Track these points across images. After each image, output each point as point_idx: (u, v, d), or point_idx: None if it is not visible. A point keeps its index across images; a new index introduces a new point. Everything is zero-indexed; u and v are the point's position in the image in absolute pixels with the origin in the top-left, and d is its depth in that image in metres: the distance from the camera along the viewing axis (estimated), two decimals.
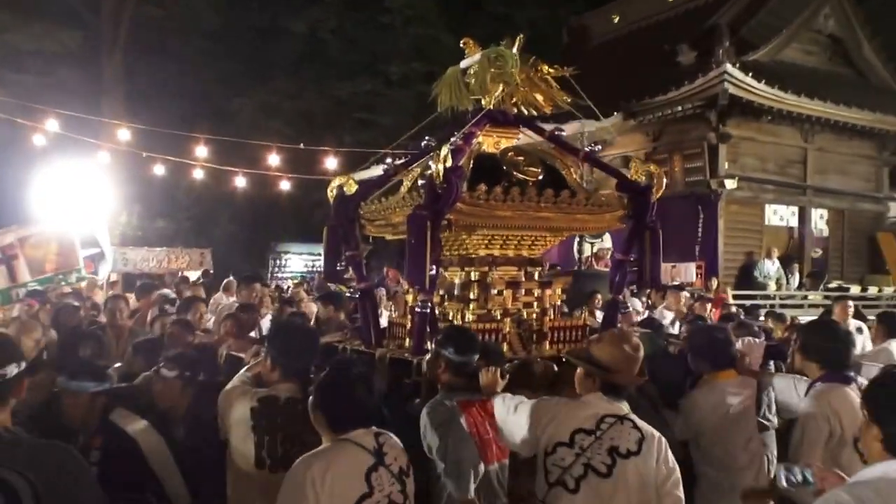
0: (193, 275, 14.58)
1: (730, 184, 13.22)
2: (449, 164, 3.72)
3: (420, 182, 4.17)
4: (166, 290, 8.80)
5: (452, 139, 3.94)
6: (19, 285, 8.18)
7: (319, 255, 24.75)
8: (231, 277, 10.63)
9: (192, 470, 3.33)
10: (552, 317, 4.39)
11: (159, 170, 11.11)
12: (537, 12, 25.39)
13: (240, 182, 11.02)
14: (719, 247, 13.43)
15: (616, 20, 18.87)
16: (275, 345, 3.23)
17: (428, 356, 3.56)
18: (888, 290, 14.47)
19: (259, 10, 23.09)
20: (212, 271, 15.44)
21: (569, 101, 4.51)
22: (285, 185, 10.99)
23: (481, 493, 3.07)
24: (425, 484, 3.06)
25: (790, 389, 3.95)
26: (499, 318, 4.23)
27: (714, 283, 11.58)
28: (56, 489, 2.06)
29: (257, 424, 3.03)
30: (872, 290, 14.20)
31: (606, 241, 12.39)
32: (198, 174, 10.95)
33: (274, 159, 10.38)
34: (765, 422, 4.23)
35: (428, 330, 3.91)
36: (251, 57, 22.95)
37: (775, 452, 4.38)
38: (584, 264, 11.46)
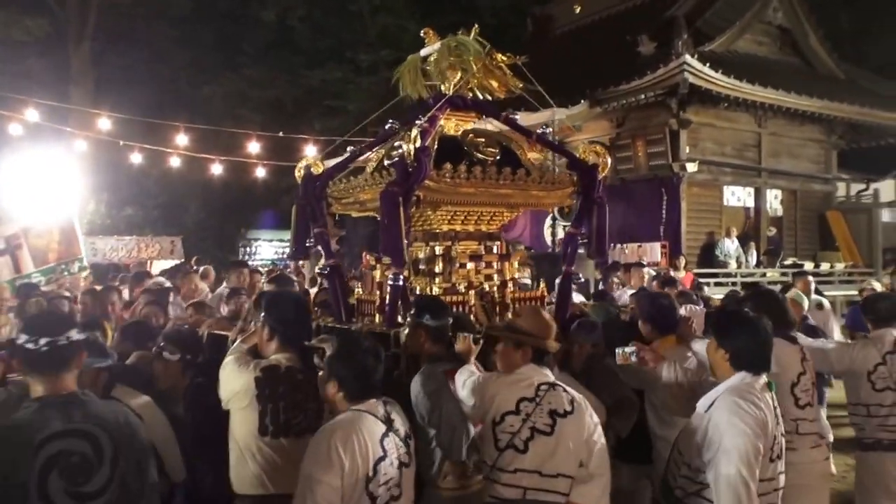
0: (164, 264, 14.50)
1: (691, 167, 13.93)
2: (418, 144, 3.96)
3: (387, 162, 4.41)
4: (160, 279, 8.97)
5: (418, 122, 4.17)
6: (24, 276, 8.26)
7: (289, 241, 25.00)
8: (207, 266, 10.84)
9: (189, 445, 3.50)
10: (512, 289, 4.66)
11: (136, 158, 11.21)
12: (500, 1, 25.86)
13: (216, 170, 11.23)
14: (682, 227, 14.13)
15: (578, 10, 19.39)
16: (272, 315, 3.35)
17: (406, 329, 3.70)
18: (840, 266, 15.43)
19: None
20: (183, 259, 15.45)
21: (521, 86, 4.78)
22: (260, 173, 11.22)
23: (471, 455, 3.26)
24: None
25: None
26: (463, 290, 4.45)
27: (682, 261, 12.24)
28: (121, 439, 2.47)
29: (261, 393, 3.17)
30: (825, 267, 15.12)
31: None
32: (174, 162, 11.12)
33: (249, 147, 10.62)
34: None
35: (399, 303, 4.10)
36: (220, 44, 22.96)
37: None
38: (558, 246, 11.99)
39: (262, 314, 3.40)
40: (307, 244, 4.64)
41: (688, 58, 12.36)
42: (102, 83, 19.91)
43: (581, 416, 3.17)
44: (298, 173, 4.62)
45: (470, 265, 4.59)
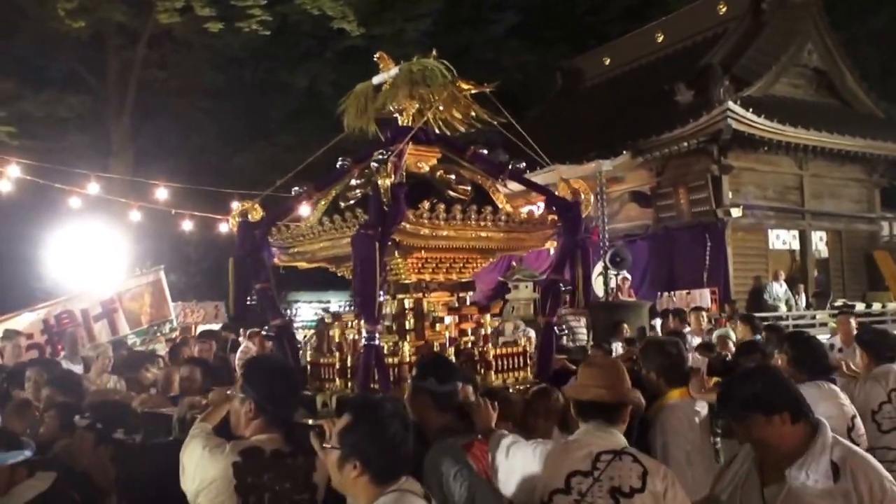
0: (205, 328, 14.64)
1: (735, 212, 13.88)
2: (394, 179, 3.51)
3: (343, 204, 3.95)
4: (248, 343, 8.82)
5: (379, 157, 3.66)
6: (120, 338, 8.52)
7: (329, 302, 25.07)
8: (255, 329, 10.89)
9: None
10: (492, 344, 4.15)
11: (186, 225, 11.46)
12: (525, 57, 26.33)
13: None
14: (729, 272, 13.99)
15: (608, 62, 19.72)
16: (257, 388, 2.72)
17: (406, 395, 3.08)
18: (892, 306, 15.12)
19: (258, 68, 23.74)
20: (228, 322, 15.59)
21: (486, 117, 4.25)
22: None
23: None
24: None
25: None
26: (438, 348, 3.92)
27: (734, 307, 12.12)
28: None
29: (242, 483, 2.58)
30: (877, 307, 14.83)
31: (626, 272, 12.89)
32: (220, 228, 11.31)
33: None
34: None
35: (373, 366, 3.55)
36: (250, 113, 23.50)
37: None
38: (610, 296, 11.92)
39: (243, 386, 2.79)
40: (247, 302, 4.07)
41: (730, 104, 12.46)
42: (140, 155, 20.38)
43: (655, 494, 2.47)
44: (233, 221, 4.11)
45: (447, 319, 4.04)
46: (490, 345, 4.09)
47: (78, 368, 6.53)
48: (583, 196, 4.09)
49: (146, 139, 21.18)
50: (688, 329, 9.48)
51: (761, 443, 2.46)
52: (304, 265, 4.38)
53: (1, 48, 18.39)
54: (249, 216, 4.06)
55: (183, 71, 21.15)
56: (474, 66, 26.65)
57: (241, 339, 9.86)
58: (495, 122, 4.26)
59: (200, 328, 14.85)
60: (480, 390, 3.45)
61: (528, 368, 4.17)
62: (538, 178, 14.40)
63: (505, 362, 4.07)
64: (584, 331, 10.95)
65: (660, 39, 18.36)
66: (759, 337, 6.38)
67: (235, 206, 4.17)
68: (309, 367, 4.11)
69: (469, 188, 4.10)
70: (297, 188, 4.13)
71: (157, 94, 21.21)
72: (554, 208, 4.18)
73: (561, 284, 4.09)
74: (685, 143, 13.48)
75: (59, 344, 8.59)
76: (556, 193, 4.19)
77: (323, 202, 4.14)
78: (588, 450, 2.53)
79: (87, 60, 19.76)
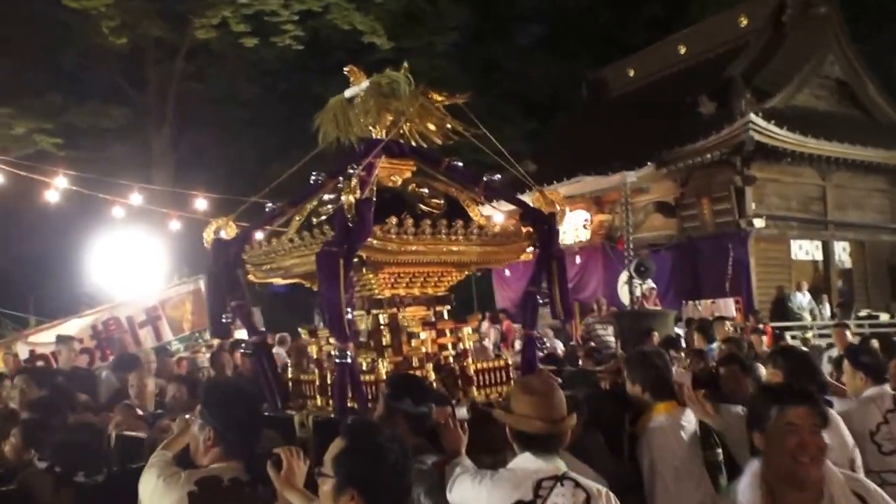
0: (241, 334, 15.08)
1: (758, 223, 14.11)
2: (359, 195, 3.47)
3: (315, 220, 3.93)
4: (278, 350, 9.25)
5: (351, 170, 3.61)
6: (164, 344, 9.02)
7: None
8: (283, 333, 11.26)
9: None
10: (472, 358, 3.99)
11: (223, 234, 11.95)
12: (550, 68, 26.66)
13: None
14: (752, 282, 14.22)
15: (632, 74, 20.01)
16: (216, 415, 2.64)
17: (378, 415, 3.04)
18: None
19: (291, 79, 24.39)
20: (263, 328, 16.00)
21: (461, 129, 4.13)
22: None
23: None
24: None
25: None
26: (417, 364, 3.83)
27: (758, 316, 12.38)
28: None
29: None
30: None
31: (651, 281, 13.18)
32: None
33: None
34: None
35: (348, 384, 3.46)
36: (286, 123, 24.11)
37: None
38: (636, 304, 12.23)
39: (202, 412, 2.68)
40: (224, 320, 3.94)
41: (752, 116, 12.74)
42: (179, 164, 21.05)
43: None
44: (207, 237, 3.99)
45: (423, 334, 3.92)
46: (470, 359, 3.94)
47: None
48: (558, 208, 4.05)
49: (185, 149, 21.87)
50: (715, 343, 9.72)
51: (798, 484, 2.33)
52: (279, 281, 4.34)
53: (49, 63, 19.23)
54: (224, 232, 3.98)
55: (219, 83, 21.84)
56: (503, 78, 27.13)
57: (275, 347, 10.32)
58: (468, 134, 4.14)
59: (237, 333, 15.37)
60: (465, 404, 3.48)
61: (511, 383, 4.01)
62: (564, 188, 14.93)
63: (487, 377, 3.96)
64: (612, 339, 11.27)
65: (682, 51, 18.62)
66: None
67: (211, 222, 4.08)
68: (290, 385, 3.96)
69: (442, 201, 4.09)
70: (270, 204, 4.12)
71: (195, 106, 21.89)
72: (529, 220, 4.08)
73: (538, 297, 4.01)
74: (708, 155, 13.76)
75: (108, 349, 9.04)
76: (532, 205, 4.12)
77: (298, 217, 4.09)
78: (528, 477, 2.49)
79: (128, 73, 20.54)
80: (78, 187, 9.82)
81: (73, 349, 8.00)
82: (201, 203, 10.92)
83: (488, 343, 10.06)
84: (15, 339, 9.01)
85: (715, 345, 9.10)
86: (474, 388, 3.85)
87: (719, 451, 3.55)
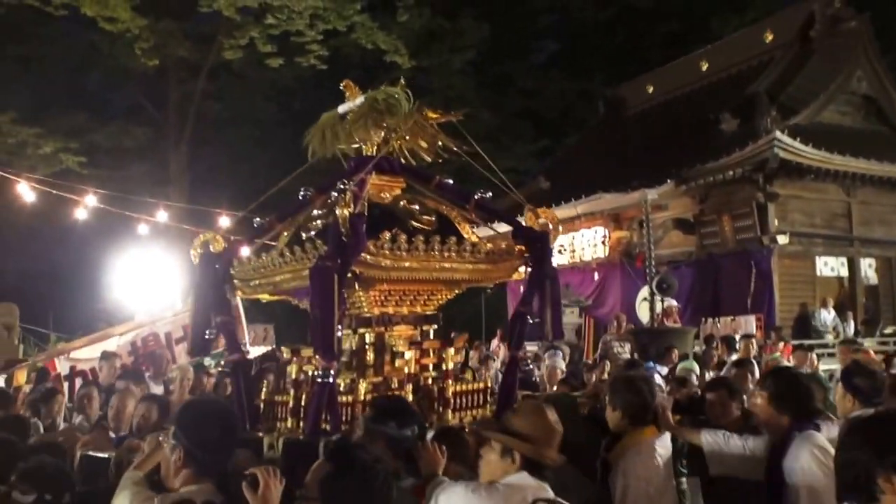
0: (256, 350, 15.09)
1: (782, 240, 13.88)
2: (353, 209, 3.42)
3: (305, 235, 3.86)
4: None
5: (342, 185, 3.56)
6: (199, 360, 8.94)
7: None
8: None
9: None
10: (453, 380, 3.93)
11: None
12: (566, 85, 26.69)
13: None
14: (775, 299, 13.98)
15: (651, 90, 19.92)
16: (188, 434, 2.53)
17: (359, 437, 2.98)
18: None
19: (306, 97, 24.55)
20: (274, 346, 15.97)
21: (454, 147, 4.09)
22: None
23: None
24: None
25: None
26: (397, 385, 3.79)
27: (780, 333, 12.16)
28: None
29: None
30: None
31: (671, 299, 12.99)
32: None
33: None
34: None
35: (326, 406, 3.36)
36: (299, 140, 24.25)
37: None
38: (656, 321, 12.05)
39: (174, 431, 2.59)
40: (206, 336, 3.89)
41: (778, 133, 12.56)
42: (194, 182, 21.26)
43: None
44: (194, 252, 3.92)
45: (408, 354, 3.84)
46: (450, 381, 3.88)
47: (159, 389, 6.83)
48: (551, 227, 3.96)
49: (200, 167, 22.09)
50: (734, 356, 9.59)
51: None
52: (266, 297, 4.23)
53: (75, 83, 19.53)
54: (211, 247, 3.89)
55: (236, 102, 22.05)
56: (518, 95, 27.12)
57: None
58: (460, 151, 4.10)
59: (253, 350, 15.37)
60: (434, 428, 3.39)
61: (488, 406, 4.03)
62: (582, 205, 14.70)
63: (464, 400, 3.90)
64: (628, 356, 11.09)
65: (704, 68, 18.49)
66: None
67: (198, 237, 4.00)
68: (262, 406, 3.84)
69: (433, 218, 4.06)
70: (258, 219, 4.06)
71: (211, 125, 22.15)
72: (521, 239, 4.02)
73: (528, 317, 3.90)
74: (730, 172, 13.57)
75: (144, 364, 8.99)
76: (524, 223, 4.05)
77: (286, 233, 4.03)
78: (523, 495, 2.51)
79: (150, 93, 20.86)
80: (105, 206, 9.95)
81: (114, 366, 7.96)
82: (224, 220, 11.04)
83: (496, 363, 9.87)
84: (51, 353, 8.99)
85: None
86: (450, 412, 3.79)
87: (683, 479, 3.66)
